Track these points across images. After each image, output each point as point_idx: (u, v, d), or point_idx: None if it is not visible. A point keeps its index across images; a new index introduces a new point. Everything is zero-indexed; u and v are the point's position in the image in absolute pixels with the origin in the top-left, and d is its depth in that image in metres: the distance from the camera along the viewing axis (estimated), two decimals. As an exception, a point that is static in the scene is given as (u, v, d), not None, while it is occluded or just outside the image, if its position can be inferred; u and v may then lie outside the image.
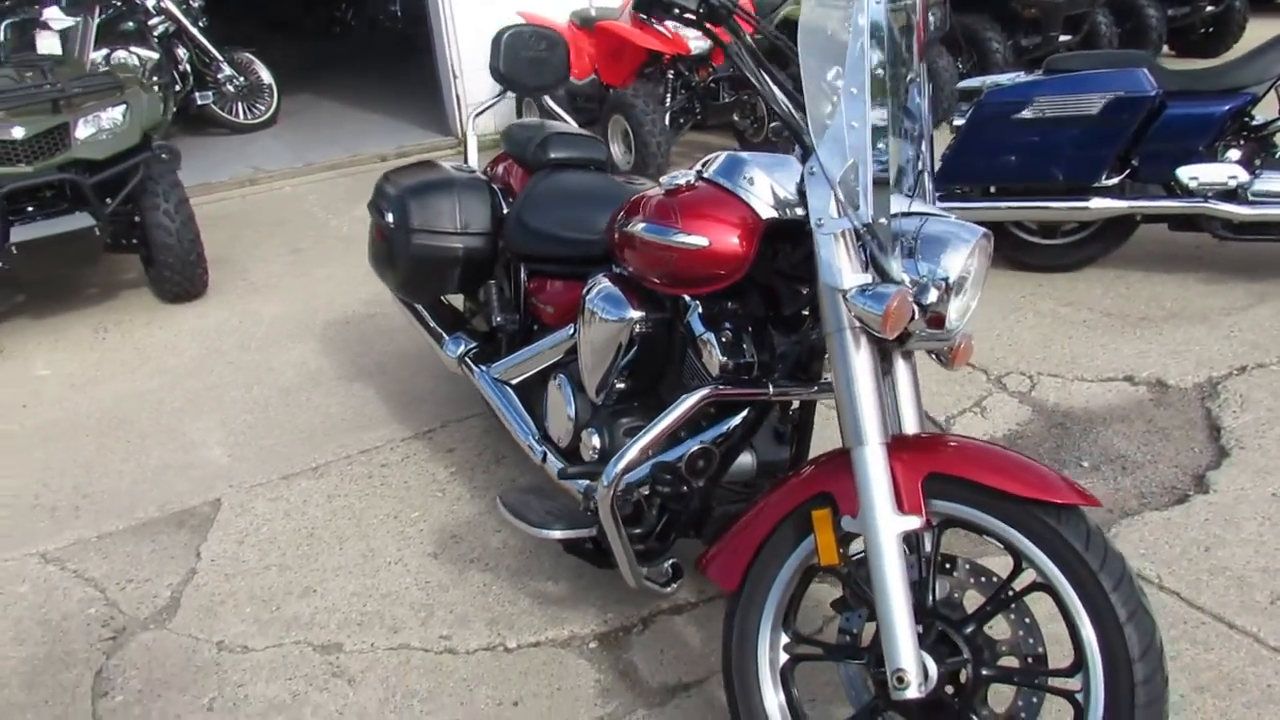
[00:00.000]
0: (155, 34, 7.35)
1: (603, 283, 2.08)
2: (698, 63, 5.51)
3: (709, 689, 2.07)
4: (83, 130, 3.96)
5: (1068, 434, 2.90)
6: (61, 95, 3.90)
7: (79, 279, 4.78)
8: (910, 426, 1.74)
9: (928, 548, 1.67)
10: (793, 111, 1.72)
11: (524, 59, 2.82)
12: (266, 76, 8.01)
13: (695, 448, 1.89)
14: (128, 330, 4.24)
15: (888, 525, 1.54)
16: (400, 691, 2.14)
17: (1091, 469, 2.72)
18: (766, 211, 1.79)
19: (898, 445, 1.63)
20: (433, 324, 2.87)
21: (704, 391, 1.79)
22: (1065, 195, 3.71)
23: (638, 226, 1.91)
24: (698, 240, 1.82)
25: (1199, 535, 2.39)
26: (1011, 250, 3.99)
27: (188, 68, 7.51)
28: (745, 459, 2.04)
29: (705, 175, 1.91)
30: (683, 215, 1.84)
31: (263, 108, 8.01)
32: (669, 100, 5.62)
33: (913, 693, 1.50)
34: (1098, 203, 3.66)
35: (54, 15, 4.76)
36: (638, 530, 1.98)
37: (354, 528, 2.72)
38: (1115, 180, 3.67)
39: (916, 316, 1.59)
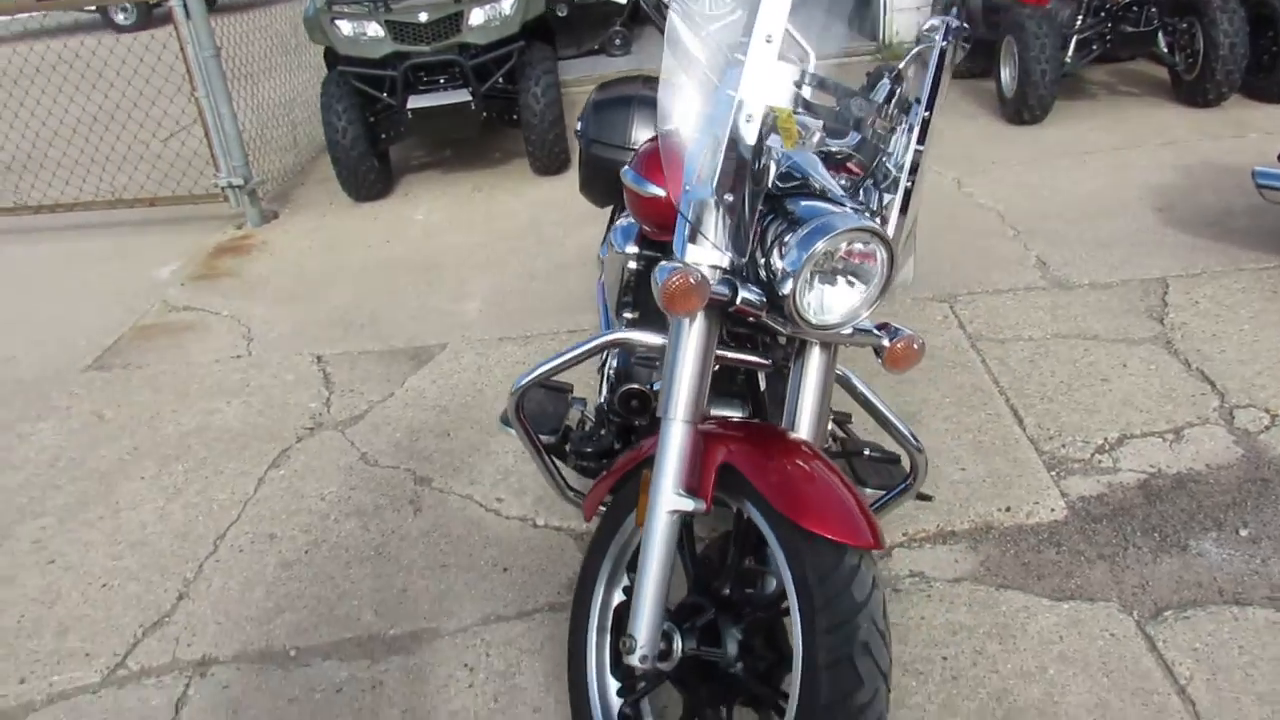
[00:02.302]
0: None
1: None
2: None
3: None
4: (475, 18, 4.68)
5: (1262, 494, 2.34)
6: (462, -14, 4.65)
7: (489, 144, 5.69)
8: (804, 428, 1.66)
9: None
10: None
11: None
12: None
13: (631, 388, 1.97)
14: (494, 193, 5.03)
15: (664, 500, 1.55)
16: (439, 531, 2.55)
17: (1249, 539, 2.20)
18: None
19: (718, 429, 1.60)
20: (607, 227, 3.11)
21: (610, 335, 1.87)
22: None
23: (626, 170, 1.97)
24: (656, 190, 1.85)
25: (1293, 653, 1.88)
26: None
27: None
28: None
29: (702, 122, 1.90)
30: (650, 163, 1.88)
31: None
32: (1078, 23, 4.95)
33: (636, 661, 1.53)
34: None
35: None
36: (590, 450, 2.12)
37: (512, 393, 3.14)
38: None
39: (740, 302, 1.52)
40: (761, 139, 1.60)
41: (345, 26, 4.66)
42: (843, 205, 1.55)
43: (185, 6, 4.46)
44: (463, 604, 2.28)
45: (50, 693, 2.15)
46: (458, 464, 2.81)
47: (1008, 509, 2.37)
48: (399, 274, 4.17)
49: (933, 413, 2.76)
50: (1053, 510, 2.35)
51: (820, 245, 1.47)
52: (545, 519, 2.54)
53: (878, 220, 1.65)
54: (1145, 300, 3.25)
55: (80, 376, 3.57)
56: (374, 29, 4.62)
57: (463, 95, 4.72)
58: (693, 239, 1.58)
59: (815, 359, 1.68)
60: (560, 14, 6.96)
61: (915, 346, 1.67)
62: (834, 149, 1.79)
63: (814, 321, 1.53)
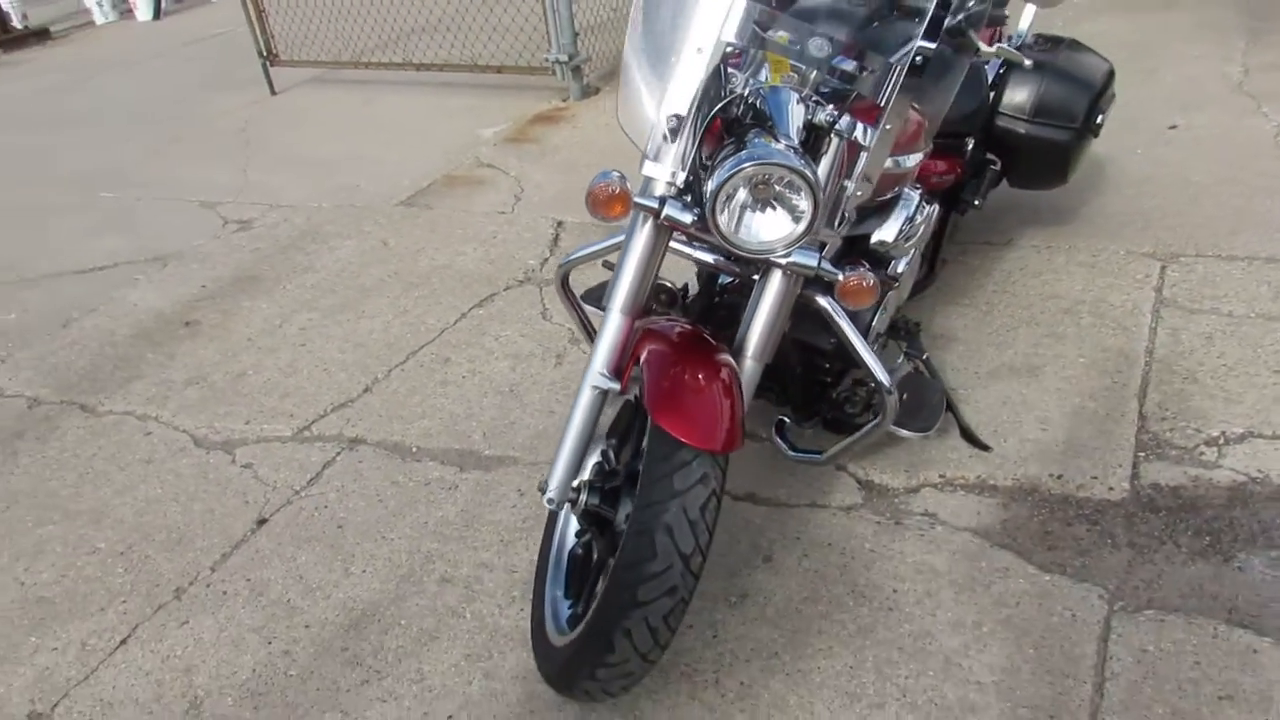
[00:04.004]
0: None
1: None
2: None
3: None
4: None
5: (1372, 528, 2.04)
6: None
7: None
8: (747, 344, 1.83)
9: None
10: None
11: None
12: None
13: (661, 283, 2.19)
14: (787, 89, 5.14)
15: (591, 377, 1.82)
16: (564, 384, 2.95)
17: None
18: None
19: (655, 327, 1.82)
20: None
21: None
22: None
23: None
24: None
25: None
26: None
27: None
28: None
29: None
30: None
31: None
32: None
33: (545, 502, 1.85)
34: None
35: None
36: (640, 333, 2.38)
37: (688, 279, 3.42)
38: None
39: (664, 218, 1.71)
40: (719, 70, 1.74)
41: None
42: (778, 142, 1.66)
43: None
44: (549, 444, 2.70)
45: (259, 435, 2.91)
46: (608, 331, 3.18)
47: (1059, 476, 2.28)
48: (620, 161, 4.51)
49: (1057, 369, 2.64)
50: (1110, 490, 2.23)
51: (748, 169, 1.60)
52: (647, 391, 2.85)
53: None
54: None
55: (390, 209, 4.39)
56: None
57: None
58: (654, 156, 1.77)
59: (772, 281, 1.82)
60: None
61: (866, 285, 1.77)
62: (850, 87, 1.86)
63: (733, 241, 1.68)
